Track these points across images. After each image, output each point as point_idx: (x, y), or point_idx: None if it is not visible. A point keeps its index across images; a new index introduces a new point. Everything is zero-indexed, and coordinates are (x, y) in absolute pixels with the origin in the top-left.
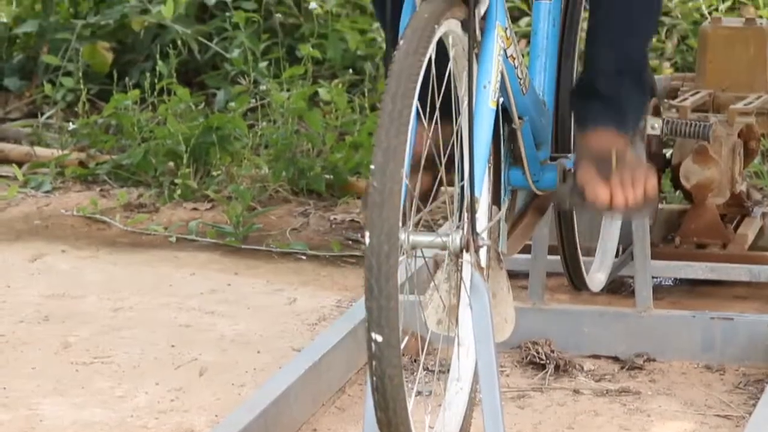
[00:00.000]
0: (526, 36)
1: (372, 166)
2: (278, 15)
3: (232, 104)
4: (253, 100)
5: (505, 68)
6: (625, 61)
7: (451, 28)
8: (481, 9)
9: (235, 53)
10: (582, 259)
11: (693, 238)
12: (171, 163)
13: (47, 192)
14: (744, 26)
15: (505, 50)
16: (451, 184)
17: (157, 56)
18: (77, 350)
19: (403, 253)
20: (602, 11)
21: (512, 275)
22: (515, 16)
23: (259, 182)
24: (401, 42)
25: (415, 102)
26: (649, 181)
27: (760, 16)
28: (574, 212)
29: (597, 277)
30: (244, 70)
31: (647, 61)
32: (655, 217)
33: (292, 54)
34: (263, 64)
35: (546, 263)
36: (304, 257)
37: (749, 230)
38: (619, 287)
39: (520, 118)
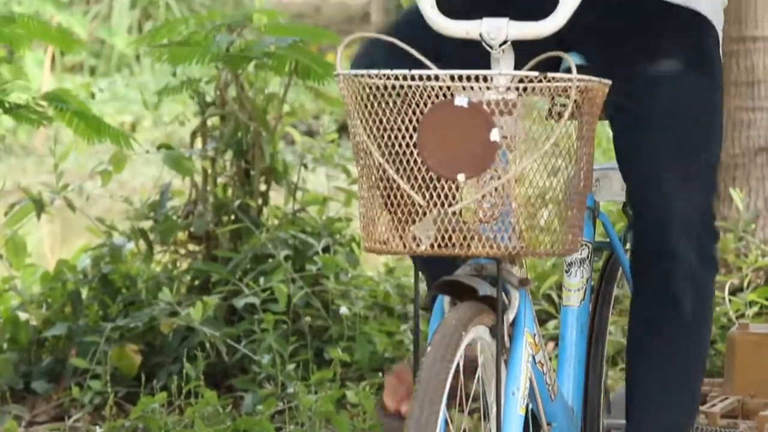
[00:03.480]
0: (554, 339)
1: None
2: (307, 318)
3: (260, 407)
4: (281, 403)
5: (533, 375)
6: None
7: (479, 334)
8: (510, 315)
9: (264, 357)
10: None
11: None
12: None
13: None
14: None
15: (533, 357)
16: None
17: (185, 359)
18: None
19: None
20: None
21: None
22: (543, 319)
23: None
24: (429, 348)
25: (443, 409)
26: None
27: None
28: None
29: None
30: (272, 374)
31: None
32: None
33: (320, 356)
34: (291, 367)
35: None
36: None
37: None
38: None
39: (548, 423)
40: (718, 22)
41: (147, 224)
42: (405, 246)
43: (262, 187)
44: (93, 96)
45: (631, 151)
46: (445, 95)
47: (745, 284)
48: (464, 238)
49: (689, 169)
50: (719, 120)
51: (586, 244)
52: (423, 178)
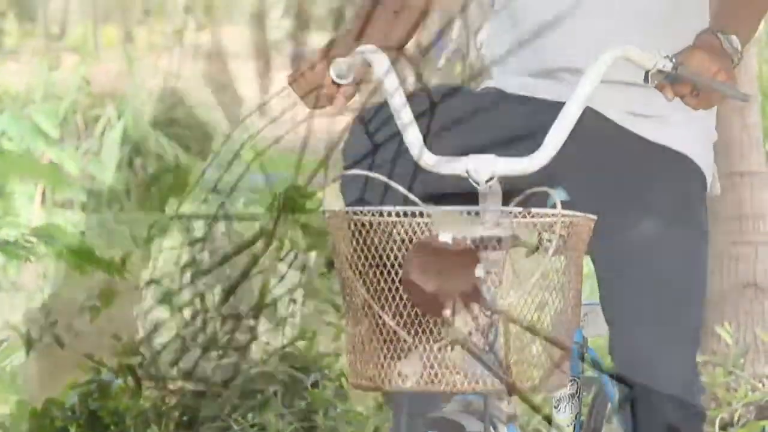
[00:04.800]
0: None
1: None
2: None
3: None
4: None
5: None
6: None
7: None
8: None
9: None
10: None
11: None
12: None
13: None
14: None
15: None
16: None
17: None
18: None
19: None
20: None
21: None
22: None
23: None
24: None
25: None
26: None
27: None
28: None
29: None
30: None
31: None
32: None
33: None
34: None
35: None
36: None
37: None
38: None
39: None
40: (706, 165)
41: (135, 360)
42: (391, 382)
43: (251, 322)
44: (83, 234)
45: (612, 307)
46: (429, 231)
47: (735, 419)
48: (451, 374)
49: (670, 334)
50: (703, 275)
51: (574, 379)
52: (409, 314)
